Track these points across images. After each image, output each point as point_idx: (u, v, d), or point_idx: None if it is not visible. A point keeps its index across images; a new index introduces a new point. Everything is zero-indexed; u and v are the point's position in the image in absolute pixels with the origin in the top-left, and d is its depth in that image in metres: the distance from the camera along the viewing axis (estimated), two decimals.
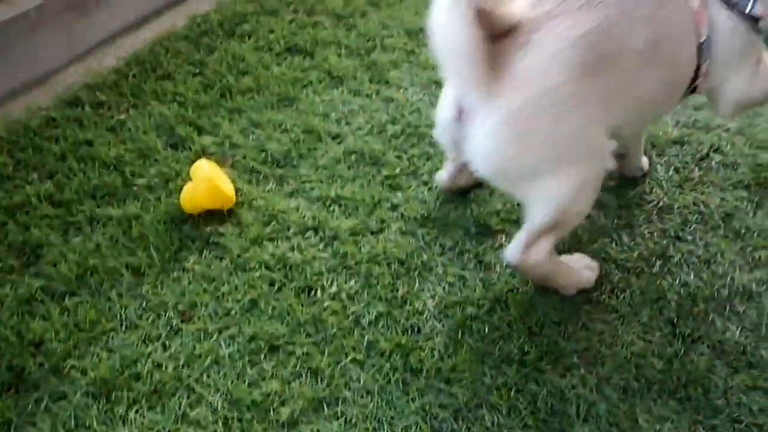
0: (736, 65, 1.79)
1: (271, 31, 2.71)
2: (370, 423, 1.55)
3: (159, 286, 1.85)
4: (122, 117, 2.35)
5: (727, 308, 1.78)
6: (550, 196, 1.63)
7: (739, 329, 1.72)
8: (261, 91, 2.44)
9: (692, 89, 1.79)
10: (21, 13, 2.45)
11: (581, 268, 1.82)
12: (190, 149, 2.23)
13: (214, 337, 1.73)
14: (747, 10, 1.70)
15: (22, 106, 2.41)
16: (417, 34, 2.69)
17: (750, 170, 2.13)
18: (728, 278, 1.85)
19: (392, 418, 1.55)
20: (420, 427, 1.54)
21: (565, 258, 1.82)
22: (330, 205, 2.06)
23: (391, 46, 2.63)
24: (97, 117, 2.35)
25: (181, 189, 2.07)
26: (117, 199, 2.08)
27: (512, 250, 1.72)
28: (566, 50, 1.51)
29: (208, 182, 1.99)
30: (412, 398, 1.59)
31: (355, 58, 2.58)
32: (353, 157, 2.19)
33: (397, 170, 2.14)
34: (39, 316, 1.78)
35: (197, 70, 2.53)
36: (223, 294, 1.83)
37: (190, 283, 1.86)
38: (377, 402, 1.58)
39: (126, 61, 2.60)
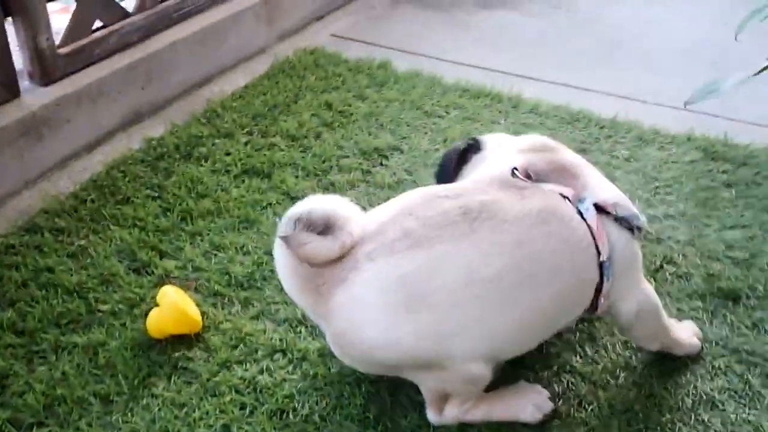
0: (631, 278, 1.85)
1: (227, 154, 2.78)
2: None
3: (129, 414, 1.84)
4: (82, 242, 2.35)
5: (693, 417, 1.86)
6: (420, 383, 1.76)
7: None
8: (221, 213, 2.49)
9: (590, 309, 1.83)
10: None
11: (528, 395, 1.84)
12: (153, 273, 2.25)
13: None
14: (637, 224, 1.80)
15: None
16: (371, 154, 2.80)
17: (703, 281, 2.25)
18: (691, 387, 1.93)
19: None
20: None
21: (501, 393, 1.84)
22: (296, 327, 2.09)
23: (347, 166, 2.73)
24: (57, 243, 2.35)
25: (146, 314, 2.08)
26: (81, 326, 2.08)
27: (429, 413, 1.79)
28: (379, 291, 1.60)
29: (174, 308, 2.01)
30: None
31: (312, 179, 2.66)
32: None
33: None
34: None
35: (156, 194, 2.57)
36: (194, 420, 1.83)
37: (160, 409, 1.85)
38: None
39: (83, 185, 2.62)
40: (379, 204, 2.50)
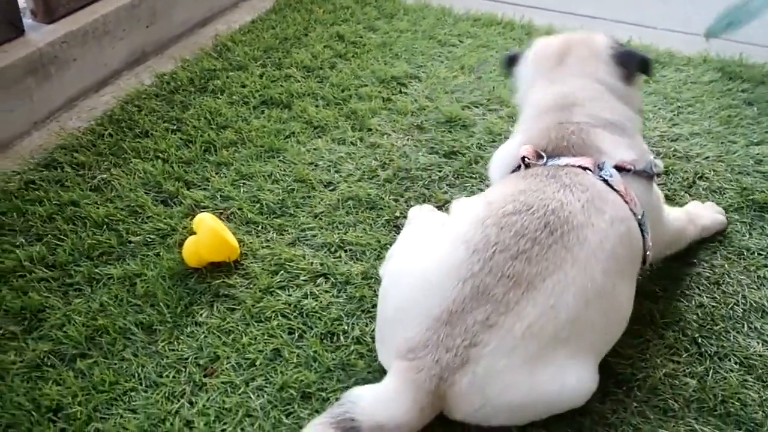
0: (659, 219, 1.85)
1: (243, 86, 2.70)
2: None
3: (174, 342, 1.79)
4: (105, 176, 2.28)
5: (745, 325, 1.85)
6: None
7: (761, 344, 1.80)
8: (245, 143, 2.42)
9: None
10: None
11: None
12: (182, 204, 2.18)
13: (242, 389, 1.68)
14: (656, 172, 1.80)
15: None
16: (389, 83, 2.74)
17: (736, 194, 2.24)
18: (739, 296, 1.93)
19: None
20: None
21: None
22: (335, 251, 2.05)
23: (366, 94, 2.67)
24: (78, 177, 2.28)
25: (179, 244, 2.03)
26: (114, 257, 2.02)
27: None
28: (510, 353, 1.49)
29: (213, 234, 1.96)
30: None
31: (333, 107, 2.60)
32: (350, 203, 2.20)
33: (397, 213, 2.16)
34: (52, 381, 1.69)
35: (175, 127, 2.49)
36: (243, 345, 1.78)
37: (206, 336, 1.80)
38: None
39: (98, 121, 2.54)
40: (403, 129, 2.50)
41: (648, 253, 1.76)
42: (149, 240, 2.07)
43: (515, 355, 1.48)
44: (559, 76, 1.88)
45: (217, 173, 2.30)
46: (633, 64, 1.87)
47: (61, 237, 2.06)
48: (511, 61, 2.02)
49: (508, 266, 1.53)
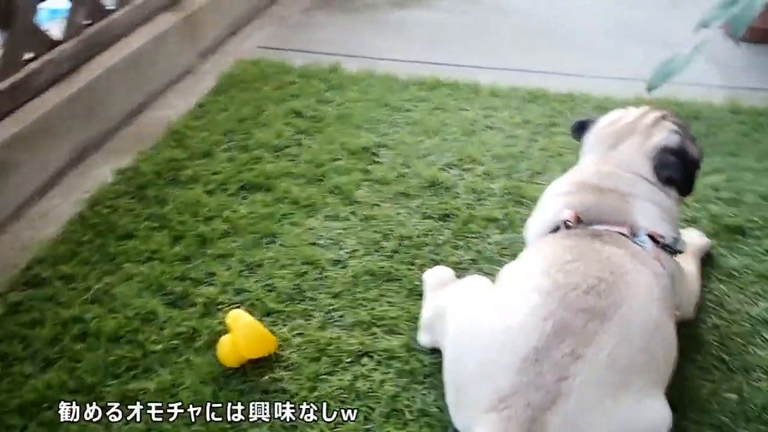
0: (681, 279, 1.95)
1: (215, 173, 2.62)
2: None
3: None
4: (100, 286, 2.13)
5: (757, 338, 1.99)
6: None
7: None
8: (238, 232, 2.34)
9: None
10: None
11: None
12: (195, 304, 2.07)
13: None
14: (679, 249, 1.90)
15: None
16: (360, 154, 2.74)
17: (709, 222, 2.40)
18: (744, 313, 2.07)
19: None
20: None
21: None
22: (369, 328, 2.00)
23: (343, 168, 2.65)
24: (71, 291, 2.12)
25: (208, 345, 1.93)
26: (142, 371, 1.88)
27: None
28: (598, 385, 1.53)
29: (253, 329, 1.88)
30: None
31: (315, 185, 2.56)
32: (366, 278, 2.16)
33: (416, 282, 2.14)
34: None
35: (158, 224, 2.37)
36: None
37: None
38: None
39: (68, 227, 2.38)
40: (390, 198, 2.50)
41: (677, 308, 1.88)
42: (173, 346, 1.94)
43: (602, 385, 1.51)
44: (610, 161, 1.97)
45: (220, 266, 2.21)
46: (666, 174, 1.93)
47: (76, 358, 1.90)
48: (581, 128, 2.10)
49: (581, 301, 1.58)
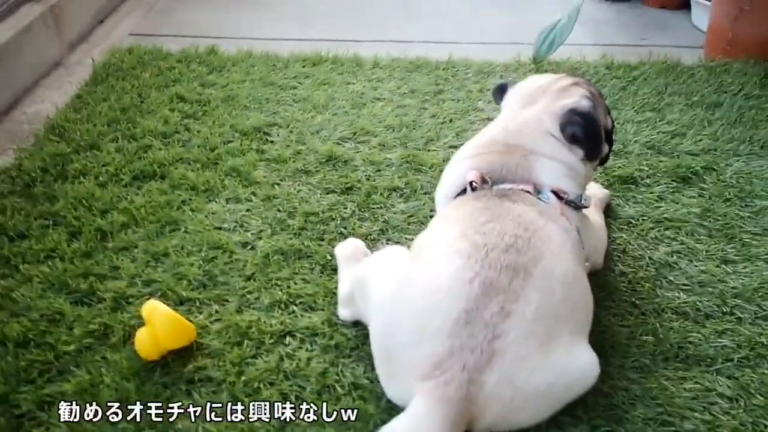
0: (588, 229, 2.04)
1: (104, 165, 2.52)
2: None
3: None
4: None
5: (662, 281, 2.12)
6: None
7: (681, 292, 2.09)
8: (138, 223, 2.26)
9: None
10: None
11: None
12: (104, 300, 2.00)
13: None
14: (583, 204, 1.97)
15: None
16: (253, 134, 2.71)
17: (601, 174, 2.51)
18: (647, 258, 2.20)
19: None
20: None
21: None
22: (287, 307, 2.00)
23: (237, 150, 2.61)
24: None
25: (123, 341, 1.87)
26: (56, 373, 1.80)
27: None
28: (528, 337, 1.59)
29: (172, 319, 1.83)
30: None
31: (211, 169, 2.52)
32: (277, 257, 2.15)
33: (327, 257, 2.15)
34: None
35: (52, 222, 2.26)
36: (247, 425, 1.68)
37: (203, 427, 1.68)
38: None
39: None
40: (289, 176, 2.49)
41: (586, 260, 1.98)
42: (87, 345, 1.87)
43: (534, 339, 1.59)
44: (518, 119, 2.02)
45: (124, 259, 2.14)
46: (570, 131, 1.98)
47: None
48: (501, 90, 2.14)
49: (503, 258, 1.64)
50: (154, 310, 1.85)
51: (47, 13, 3.29)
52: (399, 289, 1.70)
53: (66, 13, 3.45)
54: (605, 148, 2.09)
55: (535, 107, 2.02)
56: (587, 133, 1.97)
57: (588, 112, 2.00)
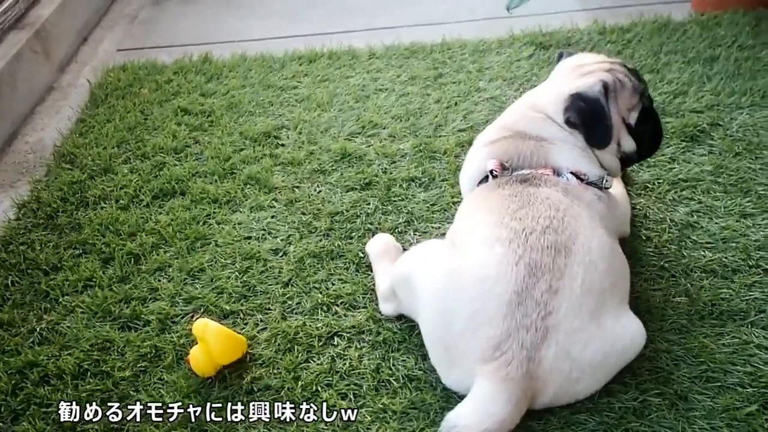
0: (613, 203, 2.04)
1: (122, 187, 2.53)
2: None
3: None
4: (43, 326, 2.05)
5: (687, 241, 2.17)
6: None
7: (706, 251, 2.14)
8: (167, 242, 2.29)
9: None
10: None
11: None
12: (149, 323, 2.03)
13: None
14: (605, 186, 1.98)
15: None
16: (263, 140, 2.73)
17: None
18: (668, 221, 2.25)
19: None
20: None
21: None
22: (330, 309, 2.05)
23: (251, 157, 2.63)
24: (15, 337, 2.02)
25: (177, 360, 1.91)
26: (118, 398, 1.84)
27: None
28: (579, 311, 1.67)
29: (225, 335, 1.87)
30: None
31: (229, 179, 2.54)
32: (310, 261, 2.19)
33: (360, 254, 2.19)
34: None
35: (81, 250, 2.29)
36: (316, 429, 1.74)
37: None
38: None
39: None
40: (307, 178, 2.51)
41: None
42: (142, 369, 1.91)
43: (583, 311, 1.66)
44: (528, 101, 2.08)
45: (161, 279, 2.17)
46: (566, 116, 1.98)
47: (45, 403, 1.83)
48: (558, 60, 2.16)
49: (542, 240, 1.71)
50: (206, 327, 1.88)
51: (33, 39, 3.28)
52: (449, 280, 1.75)
53: (51, 36, 3.44)
54: (622, 140, 2.01)
55: (551, 87, 2.05)
56: (583, 119, 1.95)
57: (592, 97, 1.94)
